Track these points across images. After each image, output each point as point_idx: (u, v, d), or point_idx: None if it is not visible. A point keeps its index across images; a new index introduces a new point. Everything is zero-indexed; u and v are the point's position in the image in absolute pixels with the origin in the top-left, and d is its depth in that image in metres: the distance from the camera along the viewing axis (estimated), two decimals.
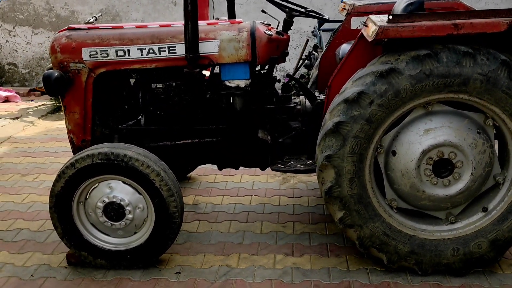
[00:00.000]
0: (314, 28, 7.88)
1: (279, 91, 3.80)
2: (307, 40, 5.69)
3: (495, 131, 3.17)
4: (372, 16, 3.14)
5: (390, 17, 2.91)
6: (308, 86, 4.17)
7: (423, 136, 3.04)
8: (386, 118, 2.98)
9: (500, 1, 8.27)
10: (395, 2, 3.58)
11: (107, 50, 3.43)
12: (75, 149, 3.60)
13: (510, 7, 3.00)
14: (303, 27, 8.50)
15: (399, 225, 3.17)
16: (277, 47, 3.52)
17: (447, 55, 2.89)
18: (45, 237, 3.81)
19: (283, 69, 8.53)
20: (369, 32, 3.01)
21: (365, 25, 3.18)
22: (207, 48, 3.42)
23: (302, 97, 3.82)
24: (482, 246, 3.16)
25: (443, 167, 3.08)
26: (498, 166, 3.18)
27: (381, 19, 2.99)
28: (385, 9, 3.82)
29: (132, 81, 3.77)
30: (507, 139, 3.11)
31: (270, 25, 3.69)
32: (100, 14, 7.00)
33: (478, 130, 3.07)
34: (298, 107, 3.75)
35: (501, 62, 2.89)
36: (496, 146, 3.21)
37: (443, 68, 2.89)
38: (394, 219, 3.18)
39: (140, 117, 3.74)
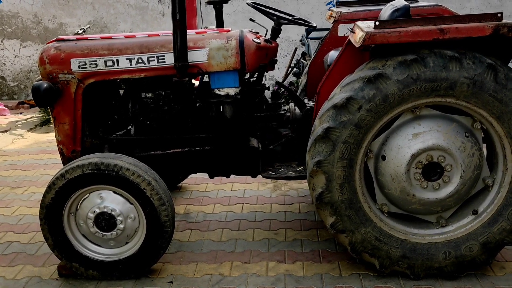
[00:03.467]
0: (302, 36, 7.94)
1: (269, 99, 3.82)
2: (296, 49, 5.73)
3: (483, 134, 3.20)
4: (359, 23, 3.17)
5: (377, 23, 2.94)
6: (298, 94, 4.19)
7: (412, 140, 3.07)
8: (375, 123, 3.00)
9: (485, 7, 8.37)
10: (381, 9, 3.62)
11: (96, 61, 3.43)
12: (65, 160, 3.58)
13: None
14: (291, 35, 8.55)
15: (390, 230, 3.19)
16: (265, 55, 3.54)
17: (434, 59, 2.92)
18: (36, 249, 3.78)
19: (273, 77, 8.56)
20: (356, 38, 3.04)
21: (352, 31, 3.21)
22: (196, 56, 3.43)
23: (291, 104, 3.83)
24: (473, 249, 3.18)
25: (432, 170, 3.11)
26: (487, 169, 3.21)
27: (368, 26, 3.02)
28: (371, 16, 3.86)
29: (121, 91, 3.77)
30: (495, 141, 3.13)
31: (258, 33, 3.72)
32: (88, 26, 7.01)
33: (466, 134, 3.10)
34: (288, 114, 3.77)
35: (487, 66, 2.92)
36: (485, 149, 3.24)
37: (430, 72, 2.92)
38: (385, 224, 3.19)
39: (130, 127, 3.74)
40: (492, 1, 8.42)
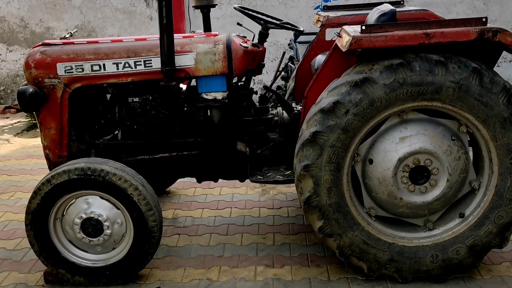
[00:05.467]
0: (290, 40, 7.95)
1: (257, 103, 3.82)
2: (284, 53, 5.72)
3: (469, 138, 3.22)
4: (346, 27, 3.18)
5: (363, 27, 2.95)
6: (285, 98, 4.20)
7: (399, 144, 3.08)
8: (362, 127, 3.01)
9: (471, 12, 8.45)
10: (368, 13, 3.64)
11: (82, 65, 3.42)
12: (52, 165, 3.55)
13: None
14: (279, 40, 8.56)
15: (378, 233, 3.19)
16: (253, 59, 3.55)
17: (420, 63, 2.93)
18: (22, 256, 3.74)
19: (261, 82, 8.57)
20: (343, 42, 3.05)
21: (339, 36, 3.22)
22: (183, 61, 3.42)
23: (279, 109, 3.84)
24: (460, 252, 3.19)
25: (419, 174, 3.12)
26: (473, 172, 3.22)
27: (355, 30, 3.03)
28: (358, 20, 3.87)
29: (108, 95, 3.75)
30: (481, 145, 3.15)
31: (245, 37, 3.72)
32: (75, 30, 6.93)
33: (453, 137, 3.12)
34: (276, 118, 3.77)
35: (472, 70, 2.94)
36: (471, 153, 3.26)
37: (416, 76, 2.93)
38: (373, 227, 3.20)
39: (117, 131, 3.72)
40: (478, 6, 8.50)
